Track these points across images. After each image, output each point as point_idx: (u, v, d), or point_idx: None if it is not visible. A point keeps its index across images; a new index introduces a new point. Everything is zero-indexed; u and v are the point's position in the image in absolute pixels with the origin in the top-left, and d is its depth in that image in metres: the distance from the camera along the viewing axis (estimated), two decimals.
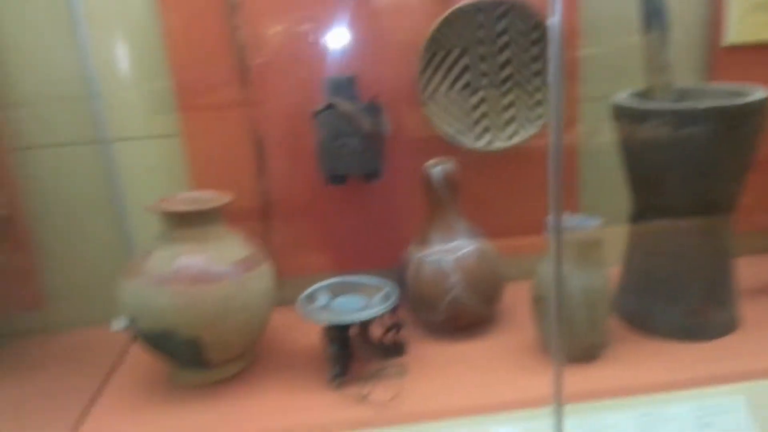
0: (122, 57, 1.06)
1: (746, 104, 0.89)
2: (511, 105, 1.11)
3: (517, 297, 1.02)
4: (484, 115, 1.11)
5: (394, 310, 0.92)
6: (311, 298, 0.94)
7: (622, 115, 0.96)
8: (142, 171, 1.11)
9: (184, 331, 0.85)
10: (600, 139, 1.11)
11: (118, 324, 0.90)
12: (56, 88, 1.06)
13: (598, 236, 0.88)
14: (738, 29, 1.12)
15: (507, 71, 1.10)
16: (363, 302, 0.93)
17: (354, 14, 1.05)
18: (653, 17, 0.97)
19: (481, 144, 1.10)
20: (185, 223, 0.90)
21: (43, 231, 1.10)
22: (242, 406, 0.87)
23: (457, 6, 1.03)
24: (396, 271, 1.03)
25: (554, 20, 0.65)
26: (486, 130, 1.11)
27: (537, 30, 1.07)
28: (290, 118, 1.08)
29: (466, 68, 1.10)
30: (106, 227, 1.11)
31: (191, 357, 0.88)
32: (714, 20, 1.13)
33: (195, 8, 1.03)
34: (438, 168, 0.99)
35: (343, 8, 1.04)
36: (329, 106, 1.02)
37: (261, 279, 0.92)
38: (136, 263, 0.89)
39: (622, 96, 0.98)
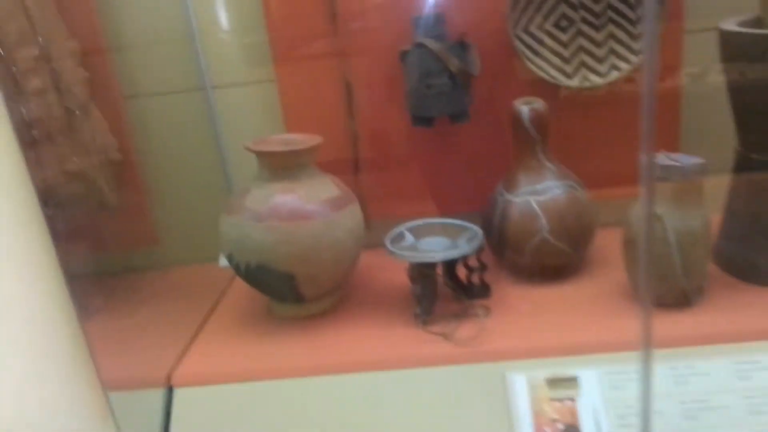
0: (222, 7, 1.10)
1: None
2: (609, 38, 1.05)
3: (608, 243, 0.99)
4: (579, 50, 1.06)
5: (478, 252, 0.92)
6: (398, 238, 0.96)
7: (730, 43, 0.88)
8: (241, 115, 1.16)
9: (278, 265, 0.90)
10: (706, 75, 1.03)
11: (224, 260, 0.97)
12: (161, 38, 1.12)
13: (697, 175, 0.83)
14: None
15: (605, 2, 1.04)
16: (448, 243, 0.94)
17: None
18: None
19: (575, 81, 1.05)
20: (279, 163, 0.94)
21: (154, 174, 1.19)
22: (333, 338, 0.92)
23: None
24: (483, 213, 1.03)
25: None
26: (581, 66, 1.06)
27: None
28: (379, 60, 1.08)
29: (560, 1, 1.04)
30: (210, 169, 1.18)
31: (286, 291, 0.94)
32: None
33: None
34: (527, 107, 0.96)
35: None
36: (417, 46, 1.01)
37: (349, 218, 0.95)
38: (235, 201, 0.95)
39: (731, 22, 0.90)
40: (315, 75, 1.10)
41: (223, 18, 1.11)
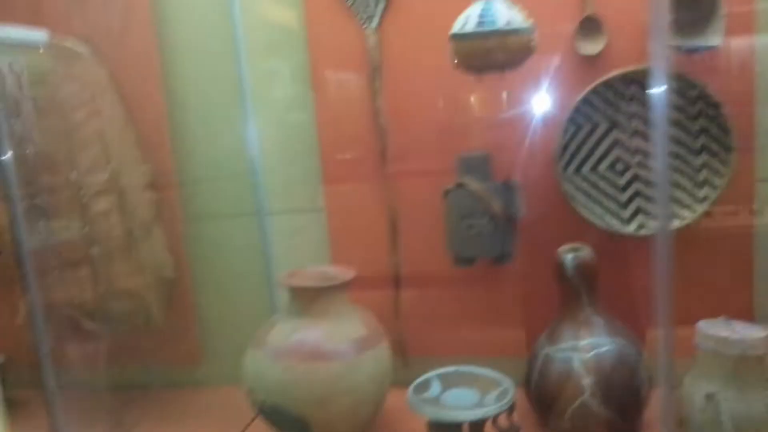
0: (279, 139, 1.15)
1: None
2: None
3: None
4: (635, 196, 1.00)
5: (510, 411, 0.84)
6: (423, 386, 0.90)
7: None
8: (291, 242, 1.17)
9: (292, 407, 0.86)
10: None
11: None
12: (224, 168, 1.18)
13: (760, 350, 0.72)
14: None
15: None
16: (477, 398, 0.86)
17: (490, 90, 1.02)
18: None
19: (631, 228, 0.98)
20: (308, 297, 0.92)
21: (204, 294, 1.21)
22: None
23: (603, 78, 0.95)
24: (521, 364, 0.95)
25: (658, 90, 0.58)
26: (637, 212, 0.99)
27: (699, 102, 0.94)
28: (424, 195, 1.07)
29: (615, 144, 1.00)
30: (256, 293, 1.19)
31: None
32: None
33: (344, 94, 1.09)
34: (571, 254, 0.90)
35: (479, 85, 1.02)
36: (459, 186, 0.99)
37: (372, 362, 0.90)
38: (260, 334, 0.94)
39: None
40: (362, 207, 1.11)
41: (282, 150, 1.15)
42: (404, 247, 1.09)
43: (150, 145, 1.16)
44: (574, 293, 0.91)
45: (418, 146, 1.07)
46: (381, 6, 1.05)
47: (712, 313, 0.83)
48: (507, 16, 0.87)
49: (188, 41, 1.15)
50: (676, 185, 0.98)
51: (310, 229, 1.15)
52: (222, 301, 1.21)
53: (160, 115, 1.17)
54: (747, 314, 0.94)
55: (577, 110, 0.97)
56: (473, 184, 0.97)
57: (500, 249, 0.99)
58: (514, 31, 0.87)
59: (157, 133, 1.17)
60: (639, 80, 0.96)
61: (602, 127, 0.99)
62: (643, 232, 0.97)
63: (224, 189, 1.18)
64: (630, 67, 0.94)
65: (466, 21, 0.88)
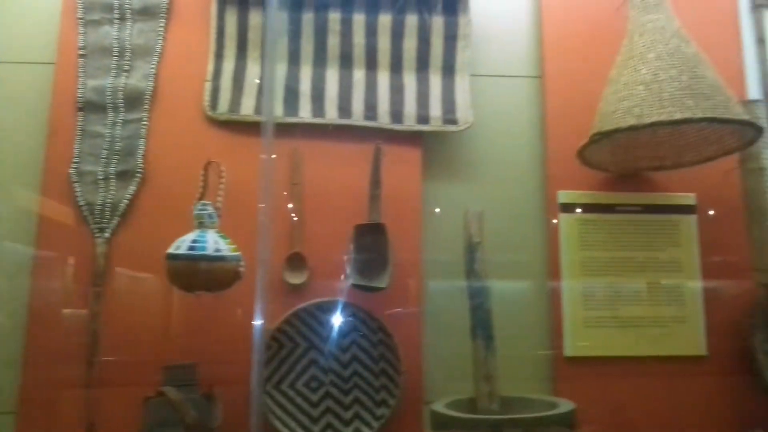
0: None
1: (546, 417, 0.91)
2: (354, 402, 1.11)
3: None
4: (326, 411, 1.11)
5: None
6: None
7: (438, 424, 0.96)
8: None
9: None
10: None
11: None
12: None
13: None
14: (573, 344, 1.17)
15: (351, 369, 1.13)
16: None
17: (206, 307, 1.12)
18: (479, 327, 1.03)
19: None
20: None
21: None
22: None
23: (301, 306, 1.11)
24: None
25: None
26: (328, 426, 1.10)
27: (380, 332, 1.13)
28: (129, 405, 1.06)
29: (311, 363, 1.12)
30: None
31: None
32: (555, 333, 1.19)
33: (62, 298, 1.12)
34: None
35: (195, 301, 1.11)
36: (160, 394, 1.02)
37: None
38: None
39: (441, 403, 0.99)
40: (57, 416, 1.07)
41: None
42: None
43: None
44: None
45: (130, 354, 1.10)
46: (115, 220, 1.14)
47: None
48: (217, 245, 1.01)
49: None
50: (360, 404, 1.11)
51: None
52: None
53: None
54: None
55: (279, 330, 1.10)
56: (172, 393, 1.01)
57: None
58: (221, 258, 1.01)
59: None
60: (329, 310, 1.13)
61: (301, 348, 1.12)
62: None
63: None
64: (325, 298, 1.12)
65: (180, 244, 1.01)
